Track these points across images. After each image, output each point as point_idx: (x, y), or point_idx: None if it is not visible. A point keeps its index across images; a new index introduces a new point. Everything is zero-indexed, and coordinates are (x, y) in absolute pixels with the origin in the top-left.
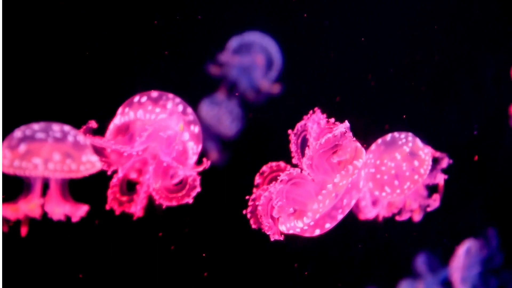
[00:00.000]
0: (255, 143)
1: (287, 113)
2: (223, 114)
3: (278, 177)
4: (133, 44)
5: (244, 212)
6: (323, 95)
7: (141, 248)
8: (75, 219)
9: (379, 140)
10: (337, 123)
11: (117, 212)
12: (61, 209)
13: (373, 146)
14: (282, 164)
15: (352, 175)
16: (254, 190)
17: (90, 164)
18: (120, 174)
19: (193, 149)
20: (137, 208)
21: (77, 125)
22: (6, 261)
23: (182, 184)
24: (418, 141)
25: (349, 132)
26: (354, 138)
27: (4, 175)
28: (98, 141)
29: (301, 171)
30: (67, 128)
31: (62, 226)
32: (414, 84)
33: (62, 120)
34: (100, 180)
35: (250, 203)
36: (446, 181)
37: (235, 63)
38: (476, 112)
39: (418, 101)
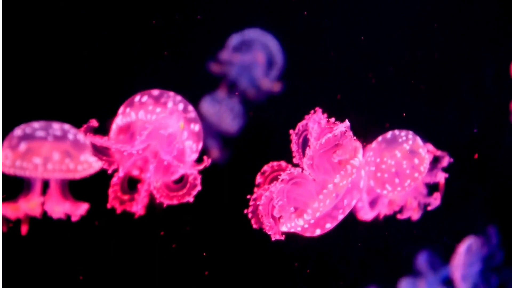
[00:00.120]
0: (256, 142)
1: (288, 112)
2: (224, 112)
3: (279, 177)
4: (133, 43)
5: (245, 211)
6: (323, 93)
7: (142, 246)
8: (75, 217)
9: (380, 138)
10: (337, 122)
11: (118, 210)
12: (61, 207)
13: (373, 144)
14: (283, 163)
15: (352, 175)
16: (255, 189)
17: (87, 164)
18: (121, 173)
19: (194, 147)
20: (138, 207)
21: (77, 124)
22: (7, 260)
23: (182, 182)
24: (418, 139)
25: (349, 132)
26: (355, 137)
27: (4, 174)
28: (98, 140)
29: (302, 171)
30: (67, 126)
31: (63, 225)
32: (414, 83)
33: (62, 119)
34: (101, 179)
35: (251, 202)
36: (446, 179)
37: (235, 61)
38: (476, 111)
39: (418, 99)
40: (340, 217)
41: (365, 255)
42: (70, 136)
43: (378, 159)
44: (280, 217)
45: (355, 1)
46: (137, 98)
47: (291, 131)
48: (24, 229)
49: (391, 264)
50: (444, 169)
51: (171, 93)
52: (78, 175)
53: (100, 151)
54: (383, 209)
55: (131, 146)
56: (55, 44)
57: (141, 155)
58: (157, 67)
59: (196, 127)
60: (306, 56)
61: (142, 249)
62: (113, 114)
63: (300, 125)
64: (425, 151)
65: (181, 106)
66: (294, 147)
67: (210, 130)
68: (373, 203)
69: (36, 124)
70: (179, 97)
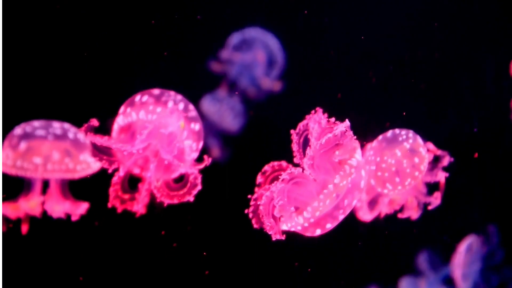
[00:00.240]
0: (256, 141)
1: (288, 111)
2: (225, 111)
3: (280, 177)
4: (133, 43)
5: (246, 211)
6: (323, 92)
7: (142, 246)
8: (75, 217)
9: (380, 137)
10: (337, 122)
11: (119, 210)
12: (61, 207)
13: (374, 143)
14: (284, 163)
15: (351, 175)
16: (256, 189)
17: (86, 164)
18: (121, 172)
19: (194, 146)
20: (139, 206)
21: (77, 124)
22: (7, 260)
23: (183, 182)
24: (419, 138)
25: (349, 131)
26: (355, 137)
27: (4, 174)
28: (99, 139)
29: (302, 171)
30: (67, 125)
31: (63, 224)
32: (414, 82)
33: (63, 119)
34: (102, 178)
35: (251, 202)
36: (446, 178)
37: (236, 60)
38: (476, 110)
39: (418, 99)
40: (341, 217)
41: (366, 254)
42: (70, 135)
43: (379, 158)
44: (280, 217)
45: (356, 1)
46: (137, 97)
47: (292, 131)
48: (24, 228)
49: (392, 264)
50: (445, 169)
51: (172, 93)
52: (77, 175)
53: (100, 151)
54: (383, 208)
55: (132, 145)
56: (56, 44)
57: (142, 154)
58: (157, 66)
59: (197, 126)
60: (307, 55)
61: (143, 249)
62: (114, 113)
63: (300, 125)
64: (425, 150)
65: (181, 106)
66: (295, 147)
67: (210, 129)
68: (373, 202)
69: (36, 123)
70: (179, 96)
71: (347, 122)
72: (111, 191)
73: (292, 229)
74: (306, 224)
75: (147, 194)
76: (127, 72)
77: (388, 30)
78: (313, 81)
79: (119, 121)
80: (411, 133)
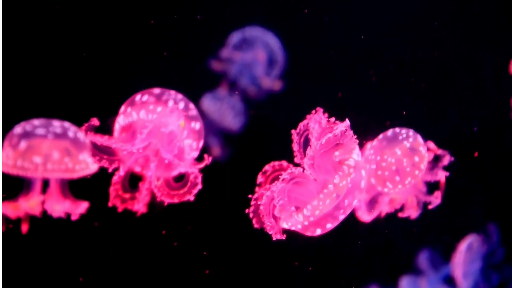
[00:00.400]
0: (257, 140)
1: (289, 110)
2: (225, 110)
3: (280, 176)
4: (133, 42)
5: (246, 211)
6: (324, 91)
7: (143, 245)
8: (75, 216)
9: (380, 136)
10: (338, 122)
11: (120, 209)
12: (60, 206)
13: (374, 142)
14: (284, 163)
15: (350, 175)
16: (257, 189)
17: (85, 164)
18: (122, 171)
19: (194, 145)
20: (139, 206)
21: (78, 124)
22: (7, 259)
23: (183, 181)
24: (419, 137)
25: (349, 131)
26: (355, 136)
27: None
28: (99, 139)
29: (303, 171)
30: (67, 124)
31: (63, 223)
32: (415, 81)
33: (63, 119)
34: (102, 177)
35: (252, 202)
36: (447, 177)
37: (236, 59)
38: (476, 109)
39: (418, 98)
40: (341, 217)
41: (366, 253)
42: (70, 133)
43: (379, 157)
44: (280, 216)
45: (356, 0)
46: (138, 97)
47: (292, 131)
48: (24, 228)
49: (392, 263)
50: (445, 168)
51: (172, 92)
52: (75, 175)
53: (101, 150)
54: (384, 208)
55: (132, 144)
56: (56, 44)
57: (142, 153)
58: (158, 66)
59: (197, 125)
60: (307, 54)
61: (143, 248)
62: (114, 113)
63: (301, 125)
64: (425, 149)
65: (182, 105)
66: (295, 146)
67: (211, 128)
68: (373, 201)
69: (36, 122)
70: (180, 95)
71: (347, 122)
72: (112, 190)
73: (293, 228)
74: (306, 223)
75: (148, 193)
76: (127, 71)
77: (388, 29)
78: (313, 80)
79: (120, 120)
80: (411, 132)
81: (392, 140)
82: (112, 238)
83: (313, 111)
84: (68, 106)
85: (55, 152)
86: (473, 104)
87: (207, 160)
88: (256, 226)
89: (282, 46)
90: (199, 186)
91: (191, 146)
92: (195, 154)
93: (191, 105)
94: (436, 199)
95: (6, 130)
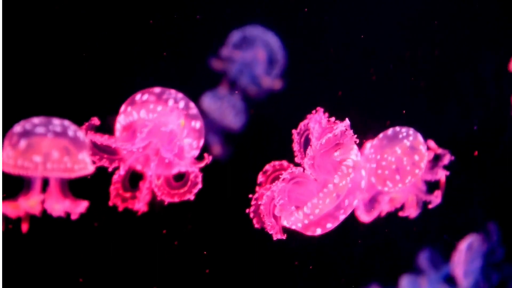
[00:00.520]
0: (257, 140)
1: (289, 109)
2: (226, 109)
3: (281, 176)
4: (133, 41)
5: (247, 211)
6: (324, 91)
7: (143, 244)
8: (74, 215)
9: (381, 135)
10: (338, 121)
11: (120, 208)
12: (60, 205)
13: (374, 141)
14: (285, 163)
15: (349, 175)
16: (257, 188)
17: (83, 164)
18: (122, 170)
19: (194, 144)
20: (140, 205)
21: (78, 123)
22: (7, 259)
23: (184, 180)
24: (419, 136)
25: (349, 130)
26: (355, 136)
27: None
28: (99, 138)
29: (303, 170)
30: (67, 122)
31: (63, 222)
32: (415, 80)
33: (63, 118)
34: (103, 177)
35: (252, 202)
36: (447, 177)
37: (236, 58)
38: (476, 108)
39: (418, 97)
40: (342, 217)
41: (366, 253)
42: (70, 132)
43: (379, 156)
44: (281, 216)
45: (356, 0)
46: (138, 96)
47: (293, 131)
48: (24, 227)
49: (392, 262)
50: (445, 167)
51: (173, 91)
52: (74, 175)
53: (101, 149)
54: (384, 207)
55: (132, 144)
56: (56, 44)
57: (142, 152)
58: (158, 65)
59: (197, 124)
60: (307, 53)
61: (144, 247)
62: (114, 112)
63: (302, 125)
64: (425, 147)
65: (182, 104)
66: (295, 146)
67: (211, 127)
68: (373, 200)
69: (36, 120)
70: (180, 95)
71: (346, 122)
72: (112, 189)
73: (293, 227)
74: (306, 221)
75: (148, 192)
76: (127, 71)
77: (388, 28)
78: (313, 80)
79: (121, 120)
80: (411, 131)
81: (392, 139)
82: (113, 237)
83: (313, 111)
84: (69, 106)
85: (55, 151)
86: (473, 103)
87: (208, 159)
88: (256, 225)
89: (282, 45)
90: (199, 185)
91: (191, 145)
92: (196, 153)
93: (191, 104)
94: (436, 198)
95: (6, 130)
